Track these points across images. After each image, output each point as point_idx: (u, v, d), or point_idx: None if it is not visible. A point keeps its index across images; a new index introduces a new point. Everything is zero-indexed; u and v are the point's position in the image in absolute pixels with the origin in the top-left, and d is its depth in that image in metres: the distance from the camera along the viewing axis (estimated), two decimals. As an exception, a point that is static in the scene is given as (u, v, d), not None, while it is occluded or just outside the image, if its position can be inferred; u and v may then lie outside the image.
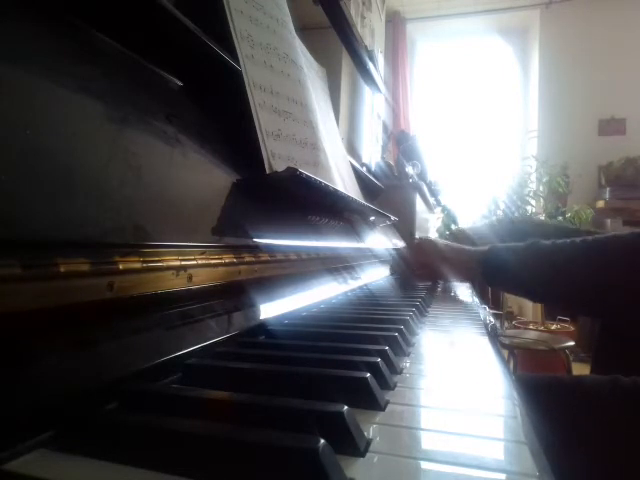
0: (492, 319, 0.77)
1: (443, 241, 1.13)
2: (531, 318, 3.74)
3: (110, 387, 0.28)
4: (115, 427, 0.24)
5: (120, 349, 0.30)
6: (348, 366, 0.36)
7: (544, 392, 0.68)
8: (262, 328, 0.49)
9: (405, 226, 2.00)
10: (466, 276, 1.06)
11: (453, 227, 3.26)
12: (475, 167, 4.90)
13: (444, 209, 3.51)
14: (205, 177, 0.50)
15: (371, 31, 3.60)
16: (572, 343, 2.23)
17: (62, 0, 0.40)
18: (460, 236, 1.53)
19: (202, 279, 0.40)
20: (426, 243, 1.11)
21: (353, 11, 2.93)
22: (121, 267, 0.31)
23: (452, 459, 0.25)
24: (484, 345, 0.56)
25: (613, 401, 0.65)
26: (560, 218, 3.33)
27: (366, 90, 3.29)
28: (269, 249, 0.56)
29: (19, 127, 0.28)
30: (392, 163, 2.56)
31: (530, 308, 4.03)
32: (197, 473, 0.21)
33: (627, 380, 0.67)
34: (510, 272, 0.87)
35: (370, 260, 1.16)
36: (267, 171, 0.61)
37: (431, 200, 2.90)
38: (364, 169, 1.76)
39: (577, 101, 4.34)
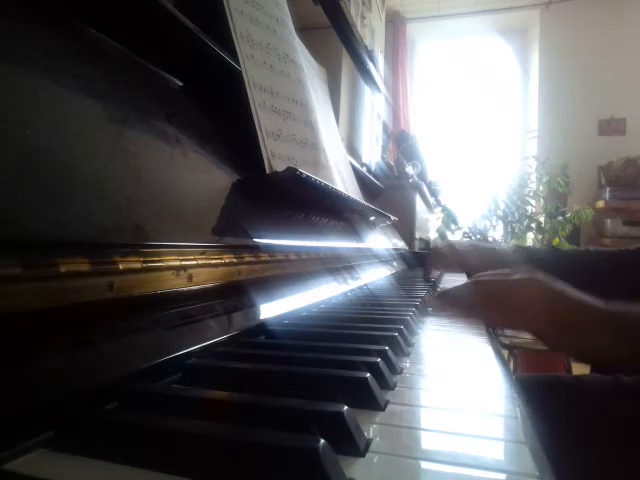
0: None
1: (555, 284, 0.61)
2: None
3: (110, 387, 0.28)
4: (115, 427, 0.24)
5: (120, 349, 0.30)
6: (348, 366, 0.36)
7: (544, 392, 0.68)
8: (262, 328, 0.49)
9: (405, 226, 2.00)
10: (587, 347, 0.58)
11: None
12: (475, 167, 4.90)
13: (444, 209, 3.51)
14: (205, 177, 0.50)
15: (371, 31, 3.60)
16: (572, 343, 2.22)
17: (62, 0, 0.40)
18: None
19: (202, 279, 0.40)
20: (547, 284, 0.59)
21: (353, 11, 2.93)
22: (121, 267, 0.31)
23: (452, 459, 0.25)
24: (484, 345, 0.55)
25: (614, 401, 0.65)
26: (560, 218, 3.33)
27: (366, 90, 3.29)
28: (269, 249, 0.56)
29: (19, 127, 0.28)
30: (392, 163, 2.57)
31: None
32: (197, 473, 0.21)
33: (629, 379, 0.67)
34: None
35: (370, 260, 1.16)
36: (267, 171, 0.61)
37: (431, 200, 2.90)
38: (364, 169, 1.76)
39: (577, 101, 4.34)
